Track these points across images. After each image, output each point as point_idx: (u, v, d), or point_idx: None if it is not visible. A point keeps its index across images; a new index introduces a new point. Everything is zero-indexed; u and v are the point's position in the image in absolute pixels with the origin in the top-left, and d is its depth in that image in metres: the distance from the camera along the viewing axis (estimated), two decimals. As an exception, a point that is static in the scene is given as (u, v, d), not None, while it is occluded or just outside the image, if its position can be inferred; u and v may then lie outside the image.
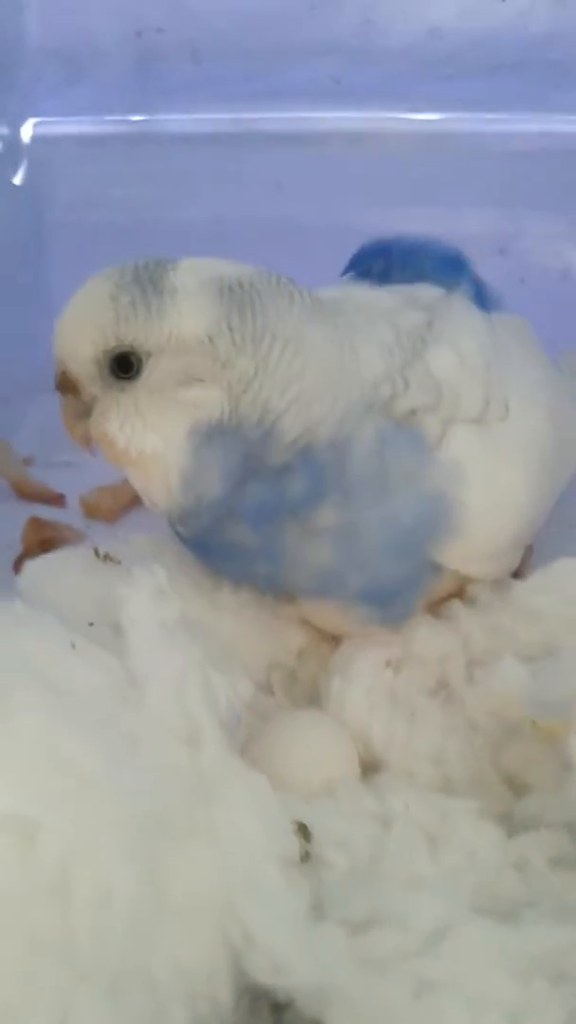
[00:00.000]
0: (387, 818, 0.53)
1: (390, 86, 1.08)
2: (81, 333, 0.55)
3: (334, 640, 0.68)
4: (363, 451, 0.58)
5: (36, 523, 0.80)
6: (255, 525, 0.58)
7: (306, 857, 0.49)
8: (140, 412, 0.56)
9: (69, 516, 0.86)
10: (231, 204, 1.12)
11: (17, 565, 0.74)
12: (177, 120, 1.11)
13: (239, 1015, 0.43)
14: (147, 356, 0.55)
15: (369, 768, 0.60)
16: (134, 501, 0.86)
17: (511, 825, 0.54)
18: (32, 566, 0.64)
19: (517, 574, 0.71)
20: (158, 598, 0.56)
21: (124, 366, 0.55)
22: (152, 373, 0.55)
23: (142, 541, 0.67)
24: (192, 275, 0.56)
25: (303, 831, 0.50)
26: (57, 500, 0.86)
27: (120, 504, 0.84)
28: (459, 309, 0.67)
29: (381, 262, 0.75)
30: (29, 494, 0.86)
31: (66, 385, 0.58)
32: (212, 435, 0.56)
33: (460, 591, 0.69)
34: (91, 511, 0.85)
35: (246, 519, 0.58)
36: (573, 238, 1.11)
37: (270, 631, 0.66)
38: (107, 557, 0.65)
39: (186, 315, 0.54)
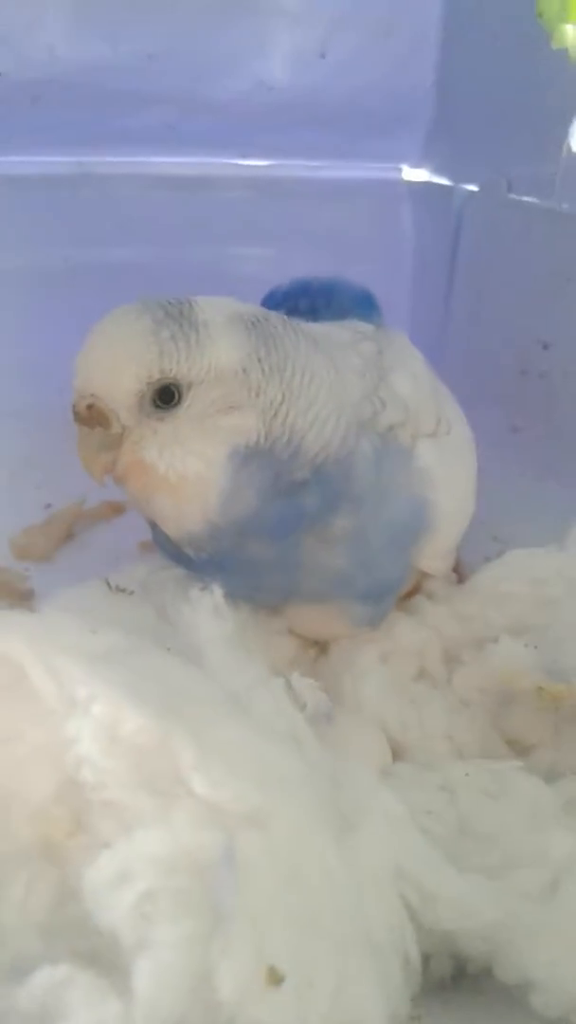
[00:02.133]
0: (449, 787, 0.60)
1: (221, 134, 1.15)
2: (122, 367, 0.58)
3: (317, 646, 0.74)
4: (364, 464, 0.65)
5: (-19, 569, 0.79)
6: (276, 539, 0.63)
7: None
8: (179, 439, 0.59)
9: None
10: (73, 245, 1.15)
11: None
12: (17, 162, 1.11)
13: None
14: (188, 387, 0.59)
15: (393, 753, 0.66)
16: (65, 538, 0.87)
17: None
18: (53, 603, 0.64)
19: (454, 570, 0.81)
20: (218, 615, 0.60)
21: (166, 397, 0.58)
22: (193, 403, 0.59)
23: (140, 571, 0.70)
24: (215, 311, 0.60)
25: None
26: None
27: (53, 542, 0.85)
28: (400, 341, 0.76)
29: (306, 301, 0.82)
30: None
31: (94, 418, 0.59)
32: (249, 457, 0.60)
33: (416, 589, 0.77)
34: (23, 553, 0.84)
35: (268, 534, 0.63)
36: (392, 274, 1.23)
37: (268, 642, 0.70)
38: (119, 589, 0.67)
39: (222, 348, 0.59)
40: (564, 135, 0.97)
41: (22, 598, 0.76)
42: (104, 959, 0.40)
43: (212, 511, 0.61)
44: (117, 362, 0.58)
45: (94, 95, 1.07)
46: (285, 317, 0.65)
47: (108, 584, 0.67)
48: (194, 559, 0.66)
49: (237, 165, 1.18)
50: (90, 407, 0.59)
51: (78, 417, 0.60)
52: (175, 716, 0.45)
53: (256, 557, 0.64)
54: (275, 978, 0.38)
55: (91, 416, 0.59)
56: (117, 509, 0.91)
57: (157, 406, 0.59)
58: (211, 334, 0.59)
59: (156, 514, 0.63)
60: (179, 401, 0.59)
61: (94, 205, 1.14)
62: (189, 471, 0.60)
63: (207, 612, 0.59)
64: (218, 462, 0.60)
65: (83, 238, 1.15)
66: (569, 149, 0.97)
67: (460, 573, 0.81)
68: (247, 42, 1.10)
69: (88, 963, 0.40)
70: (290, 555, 0.64)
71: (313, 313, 0.81)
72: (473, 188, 1.13)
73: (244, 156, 1.18)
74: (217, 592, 0.61)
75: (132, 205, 1.16)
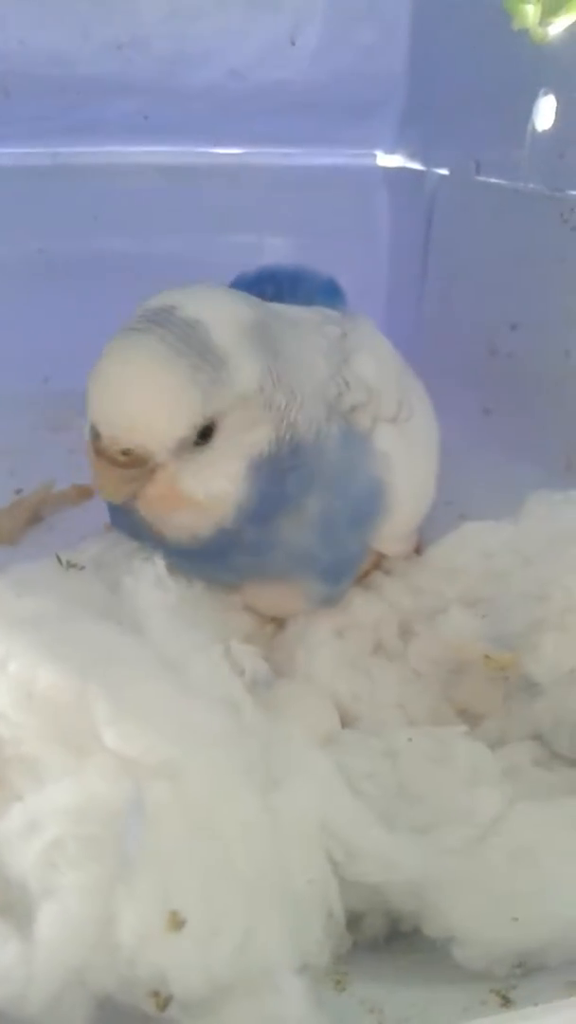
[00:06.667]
0: (392, 752, 0.60)
1: (194, 122, 1.16)
2: (168, 416, 0.56)
3: (273, 622, 0.74)
4: (333, 446, 0.65)
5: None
6: (261, 524, 0.63)
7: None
8: (212, 464, 0.59)
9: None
10: (50, 235, 1.16)
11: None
12: (-10, 154, 1.13)
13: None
14: (222, 419, 0.58)
15: (344, 722, 0.67)
16: (32, 521, 0.87)
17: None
18: (4, 581, 0.65)
19: (416, 551, 0.81)
20: (160, 585, 0.61)
21: (205, 434, 0.58)
22: (224, 432, 0.58)
23: (93, 548, 0.70)
24: (224, 330, 0.58)
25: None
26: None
27: (20, 525, 0.86)
28: (366, 325, 0.76)
29: (272, 288, 0.82)
30: None
31: (132, 461, 0.57)
32: (262, 464, 0.60)
33: (373, 567, 0.77)
34: (-11, 536, 0.85)
35: (256, 521, 0.62)
36: (368, 259, 1.24)
37: (223, 618, 0.71)
38: (70, 564, 0.67)
39: (245, 374, 0.58)
40: (529, 116, 0.98)
41: (-16, 579, 0.77)
42: (15, 910, 0.41)
43: (227, 520, 0.61)
44: (163, 413, 0.56)
45: (66, 86, 1.09)
46: (267, 304, 0.65)
47: (59, 560, 0.67)
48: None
49: (211, 153, 1.19)
50: (129, 451, 0.57)
51: (107, 458, 0.57)
52: (95, 675, 0.46)
53: (234, 542, 0.63)
54: (176, 923, 0.39)
55: (131, 460, 0.57)
56: (86, 493, 0.92)
57: (196, 443, 0.58)
58: (237, 364, 0.58)
59: (167, 525, 0.62)
60: (215, 434, 0.58)
61: (68, 195, 1.15)
62: (216, 490, 0.59)
63: (148, 582, 0.60)
64: (240, 477, 0.60)
65: (58, 229, 1.16)
66: (534, 129, 0.98)
67: (420, 553, 0.81)
68: (218, 30, 1.10)
69: (-3, 913, 0.41)
70: (267, 536, 0.64)
71: (279, 300, 0.81)
72: (444, 172, 1.14)
73: (217, 144, 1.19)
74: (159, 563, 0.61)
75: (106, 195, 1.17)
